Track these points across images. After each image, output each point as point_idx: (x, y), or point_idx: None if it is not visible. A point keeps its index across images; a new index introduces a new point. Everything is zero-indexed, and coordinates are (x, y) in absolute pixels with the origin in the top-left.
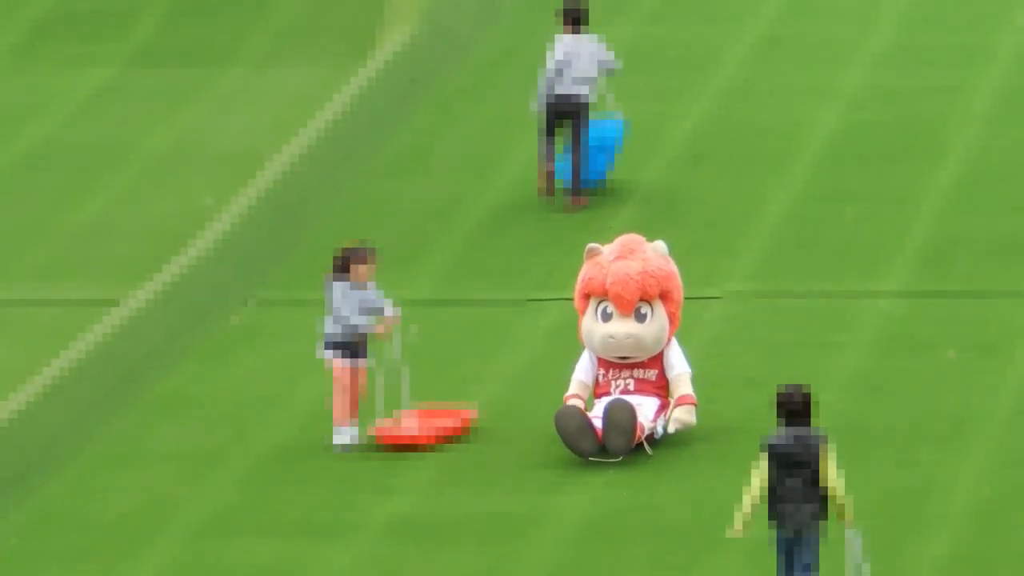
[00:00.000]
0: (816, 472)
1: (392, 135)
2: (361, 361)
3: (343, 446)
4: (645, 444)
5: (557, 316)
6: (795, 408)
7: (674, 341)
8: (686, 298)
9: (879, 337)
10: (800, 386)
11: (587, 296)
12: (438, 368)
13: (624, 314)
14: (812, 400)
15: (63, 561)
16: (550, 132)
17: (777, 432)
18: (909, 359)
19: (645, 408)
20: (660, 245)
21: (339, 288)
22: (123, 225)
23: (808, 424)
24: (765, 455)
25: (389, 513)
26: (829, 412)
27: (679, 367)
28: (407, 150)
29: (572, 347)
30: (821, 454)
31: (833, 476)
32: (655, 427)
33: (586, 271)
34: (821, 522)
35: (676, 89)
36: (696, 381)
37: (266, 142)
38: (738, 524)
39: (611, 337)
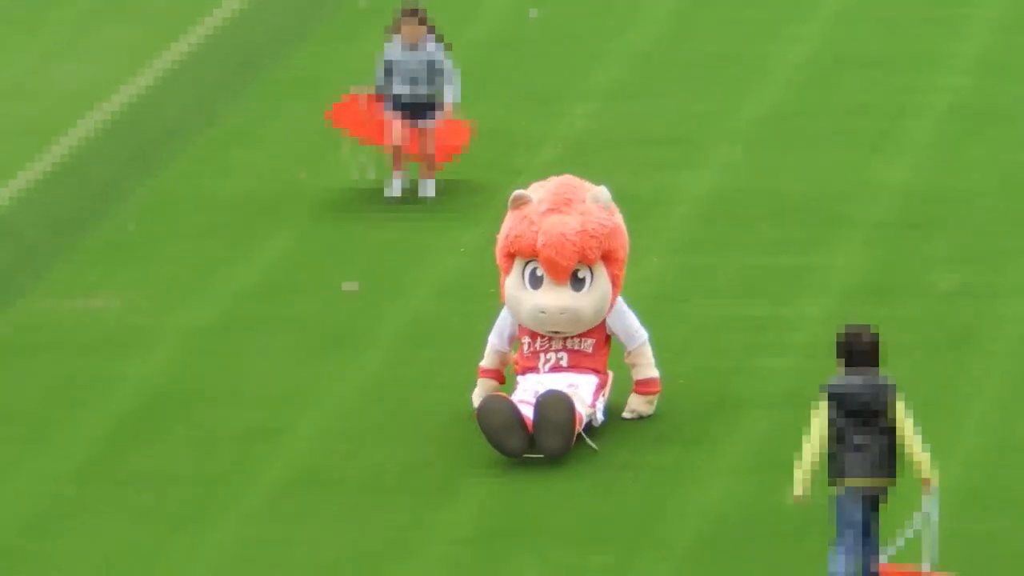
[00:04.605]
0: (891, 424)
1: None
2: (421, 123)
3: (393, 198)
4: (586, 438)
5: None
6: (862, 351)
7: (621, 304)
8: None
9: (1005, 15)
10: (868, 326)
11: (512, 256)
12: (559, 48)
13: (558, 281)
14: (879, 344)
15: (187, 239)
16: None
17: (840, 376)
18: None
19: (581, 390)
20: (602, 193)
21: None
22: None
23: (875, 370)
24: (826, 403)
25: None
26: (956, 93)
27: (638, 336)
28: None
29: (697, 27)
30: (895, 405)
31: (910, 432)
32: (594, 412)
33: (512, 226)
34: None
35: None
36: (817, 61)
37: None
38: (799, 488)
39: (542, 312)
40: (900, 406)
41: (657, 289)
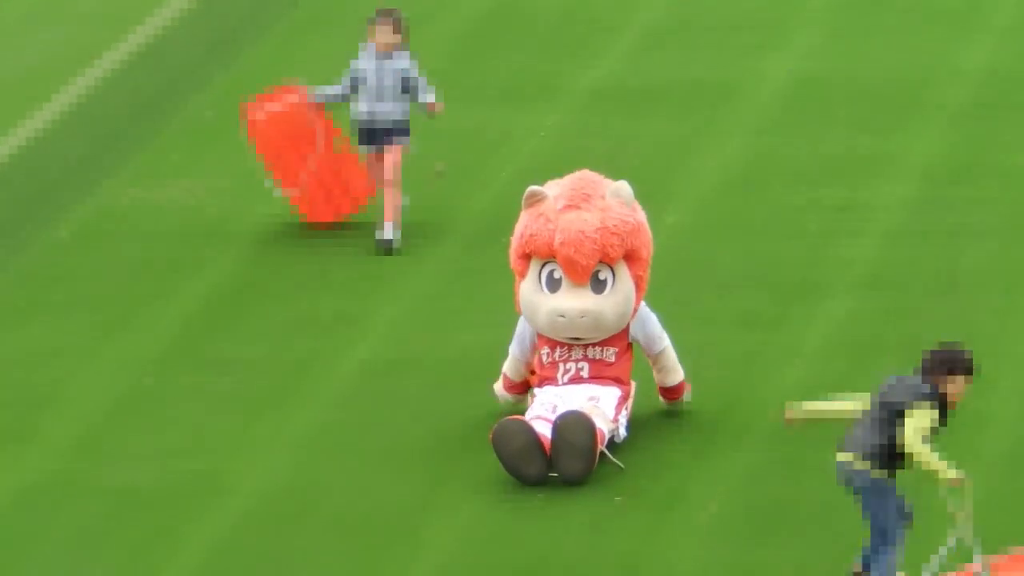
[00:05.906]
0: (899, 416)
1: None
2: (385, 147)
3: (383, 241)
4: (608, 455)
5: None
6: (929, 361)
7: (645, 309)
8: None
9: None
10: (957, 345)
11: (528, 257)
12: None
13: (578, 282)
14: (949, 360)
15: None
16: None
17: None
18: None
19: (603, 403)
20: (623, 188)
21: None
22: None
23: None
24: None
25: (593, 79)
26: None
27: (660, 342)
28: None
29: None
30: (913, 407)
31: (911, 434)
32: (616, 428)
33: (527, 225)
34: (880, 475)
35: None
36: None
37: None
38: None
39: (561, 316)
40: (915, 416)
41: (737, 173)
